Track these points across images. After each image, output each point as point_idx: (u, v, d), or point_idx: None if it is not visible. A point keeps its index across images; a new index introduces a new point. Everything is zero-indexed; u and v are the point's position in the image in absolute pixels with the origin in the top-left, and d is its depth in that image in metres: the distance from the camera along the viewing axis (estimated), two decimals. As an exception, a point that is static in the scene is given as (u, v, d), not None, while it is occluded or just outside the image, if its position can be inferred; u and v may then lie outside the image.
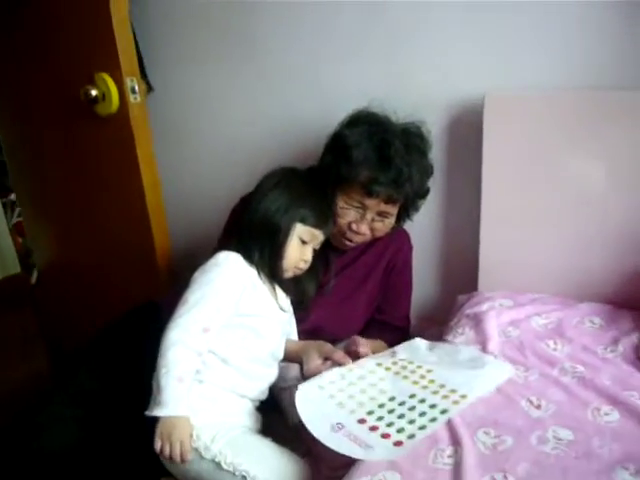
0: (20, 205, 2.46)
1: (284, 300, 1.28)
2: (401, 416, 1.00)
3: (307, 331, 1.35)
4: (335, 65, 1.63)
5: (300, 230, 1.22)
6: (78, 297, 2.07)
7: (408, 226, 1.51)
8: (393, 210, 1.35)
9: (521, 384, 1.10)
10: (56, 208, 2.02)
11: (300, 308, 1.33)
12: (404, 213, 1.40)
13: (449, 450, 0.91)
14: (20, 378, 2.14)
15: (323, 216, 1.26)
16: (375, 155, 1.28)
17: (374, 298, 1.51)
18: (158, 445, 1.03)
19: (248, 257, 1.20)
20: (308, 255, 1.25)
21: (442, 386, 1.08)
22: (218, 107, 1.83)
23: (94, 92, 1.59)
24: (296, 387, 1.09)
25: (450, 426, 0.97)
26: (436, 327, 1.53)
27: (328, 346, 1.22)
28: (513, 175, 1.44)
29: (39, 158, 1.98)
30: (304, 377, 1.21)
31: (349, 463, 0.93)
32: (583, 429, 0.95)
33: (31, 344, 2.33)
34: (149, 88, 1.80)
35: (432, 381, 1.11)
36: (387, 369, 1.17)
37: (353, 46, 1.59)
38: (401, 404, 1.04)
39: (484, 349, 1.23)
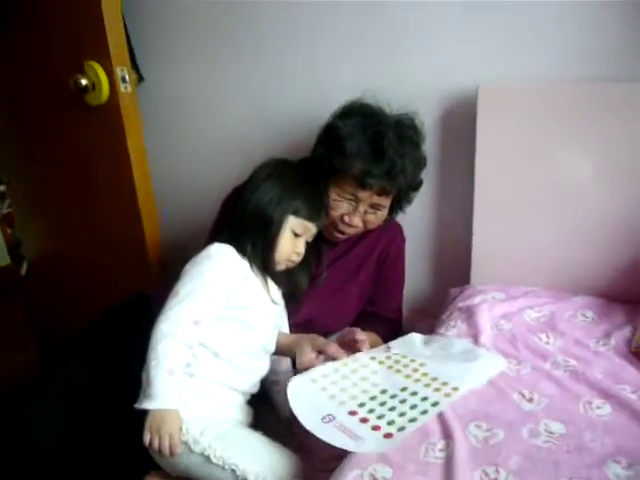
0: (10, 196, 2.43)
1: (276, 293, 1.27)
2: (392, 409, 1.00)
3: (298, 324, 1.34)
4: (329, 57, 1.62)
5: (292, 222, 1.21)
6: (68, 289, 2.06)
7: (400, 218, 1.50)
8: (386, 202, 1.34)
9: (513, 377, 1.10)
10: (46, 199, 2.00)
11: (292, 301, 1.32)
12: (397, 205, 1.40)
13: (441, 444, 0.91)
14: (9, 370, 2.13)
15: (316, 208, 1.25)
16: (368, 147, 1.27)
17: (366, 290, 1.50)
18: (147, 438, 1.02)
19: (240, 249, 1.19)
20: (300, 248, 1.24)
21: (434, 379, 1.08)
22: (210, 98, 1.81)
23: (84, 81, 1.57)
24: (288, 380, 1.09)
25: (442, 419, 0.97)
26: (428, 320, 1.53)
27: (321, 339, 1.21)
28: (506, 167, 1.44)
29: (28, 148, 1.96)
30: (297, 370, 1.20)
31: (340, 456, 0.93)
32: (575, 422, 0.95)
33: (21, 336, 2.32)
34: (140, 78, 1.79)
35: (425, 374, 1.11)
36: (380, 363, 1.17)
37: (347, 37, 1.58)
38: (393, 397, 1.04)
39: (476, 342, 1.23)
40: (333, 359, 1.17)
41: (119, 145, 1.63)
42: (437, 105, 1.53)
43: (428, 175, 1.44)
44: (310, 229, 1.24)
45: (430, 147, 1.46)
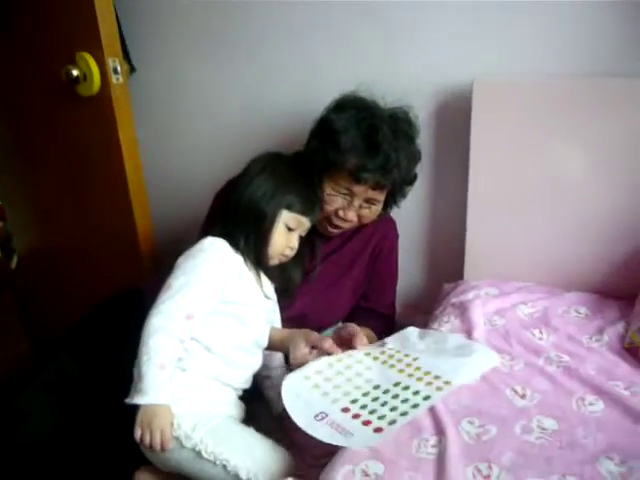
0: (0, 189, 2.41)
1: (269, 287, 1.26)
2: (384, 404, 1.00)
3: (291, 318, 1.34)
4: (323, 50, 1.60)
5: (286, 217, 1.20)
6: (59, 283, 2.05)
7: (394, 213, 1.49)
8: (380, 197, 1.33)
9: (506, 373, 1.10)
10: (37, 191, 1.98)
11: (285, 295, 1.32)
12: (391, 200, 1.39)
13: (433, 440, 0.91)
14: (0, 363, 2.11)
15: (309, 203, 1.24)
16: (363, 141, 1.26)
17: (360, 285, 1.50)
18: (138, 433, 1.01)
19: (234, 243, 1.18)
20: (294, 242, 1.23)
21: (427, 373, 1.08)
22: (203, 89, 1.80)
23: (75, 72, 1.55)
24: (280, 376, 1.08)
25: (434, 415, 0.96)
26: (421, 315, 1.53)
27: (315, 334, 1.21)
28: (501, 162, 1.43)
29: (19, 140, 1.93)
30: (290, 365, 1.20)
31: (332, 452, 0.93)
32: (567, 419, 0.95)
33: (11, 330, 2.30)
34: (132, 69, 1.77)
35: (418, 368, 1.10)
36: (375, 359, 1.16)
37: (341, 30, 1.57)
38: (385, 392, 1.04)
39: (469, 338, 1.23)
40: (327, 354, 1.17)
41: (110, 136, 1.62)
42: (431, 99, 1.52)
43: (422, 170, 1.43)
44: (304, 223, 1.23)
45: (424, 141, 1.45)
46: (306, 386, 1.08)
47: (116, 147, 1.63)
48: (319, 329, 1.30)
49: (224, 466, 1.01)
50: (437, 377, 1.06)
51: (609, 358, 1.13)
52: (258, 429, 1.12)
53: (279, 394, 1.25)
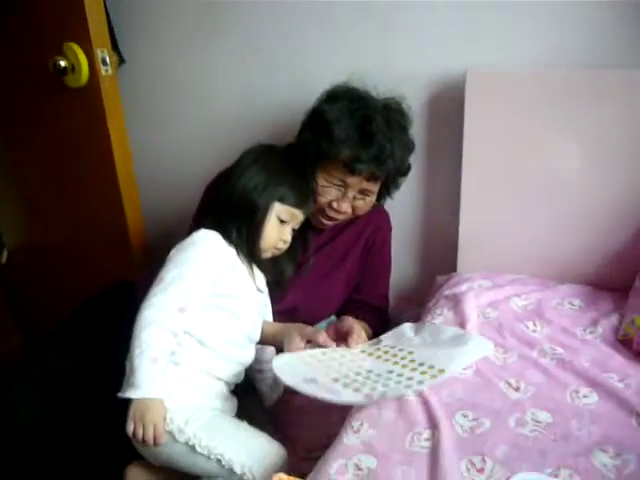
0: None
1: (261, 280, 1.26)
2: (376, 382, 1.01)
3: (282, 312, 1.33)
4: (315, 41, 1.59)
5: (279, 209, 1.19)
6: (49, 277, 2.04)
7: (387, 205, 1.49)
8: (374, 188, 1.32)
9: (500, 366, 1.10)
10: (25, 185, 1.97)
11: (277, 289, 1.31)
12: (385, 191, 1.38)
13: (426, 433, 0.90)
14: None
15: (302, 195, 1.23)
16: (357, 132, 1.25)
17: (352, 277, 1.49)
18: (130, 428, 1.01)
19: (226, 236, 1.17)
20: (287, 235, 1.22)
21: (422, 364, 1.07)
22: (193, 81, 1.77)
23: (63, 63, 1.54)
24: (272, 371, 1.08)
25: (427, 408, 0.96)
26: (414, 308, 1.53)
27: (310, 328, 1.20)
28: (495, 154, 1.43)
29: (6, 132, 1.91)
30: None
31: (324, 445, 0.93)
32: (562, 411, 0.95)
33: (2, 325, 2.28)
34: (121, 60, 1.75)
35: (413, 361, 1.10)
36: (370, 354, 1.16)
37: (334, 21, 1.55)
38: (378, 375, 1.04)
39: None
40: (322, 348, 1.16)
41: (99, 129, 1.60)
42: (424, 89, 1.51)
43: (415, 161, 1.42)
44: (297, 216, 1.22)
45: (417, 132, 1.43)
46: (298, 362, 1.09)
47: (105, 139, 1.61)
48: (311, 322, 1.29)
49: (218, 460, 1.02)
50: (431, 367, 1.05)
51: (603, 350, 1.13)
52: (250, 423, 1.12)
53: (271, 387, 1.26)
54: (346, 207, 1.31)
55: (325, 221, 1.35)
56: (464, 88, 1.38)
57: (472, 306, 1.30)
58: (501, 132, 1.40)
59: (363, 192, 1.31)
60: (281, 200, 1.19)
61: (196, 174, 1.52)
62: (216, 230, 1.17)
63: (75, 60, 1.52)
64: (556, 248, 1.44)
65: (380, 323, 1.45)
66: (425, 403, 0.97)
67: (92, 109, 1.59)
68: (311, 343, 1.18)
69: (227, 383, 1.18)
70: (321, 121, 1.27)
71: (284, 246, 1.23)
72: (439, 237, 1.64)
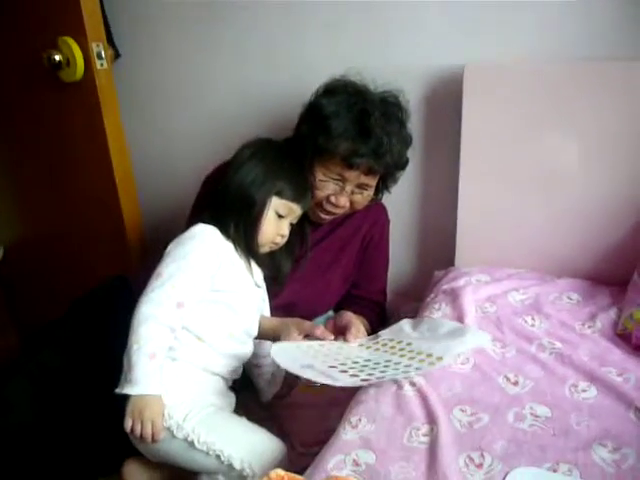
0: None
1: (259, 275, 1.25)
2: (373, 369, 1.01)
3: (280, 306, 1.32)
4: (313, 34, 1.58)
5: (276, 203, 1.19)
6: (46, 273, 2.03)
7: (385, 199, 1.48)
8: (372, 182, 1.31)
9: (498, 360, 1.10)
10: (20, 180, 1.95)
11: (275, 283, 1.30)
12: (382, 185, 1.38)
13: (424, 428, 0.90)
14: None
15: (300, 189, 1.23)
16: (354, 126, 1.24)
17: (350, 272, 1.49)
18: (128, 424, 1.01)
19: (224, 230, 1.17)
20: (285, 230, 1.22)
21: (419, 353, 1.07)
22: (190, 75, 1.76)
23: (58, 57, 1.52)
24: (270, 366, 1.08)
25: (426, 404, 0.96)
26: (412, 303, 1.52)
27: (307, 323, 1.20)
28: (493, 148, 1.42)
29: (0, 128, 1.89)
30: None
31: (322, 440, 0.93)
32: (560, 406, 0.95)
33: (-1, 321, 2.28)
34: (116, 54, 1.73)
35: (411, 351, 1.10)
36: (368, 348, 1.15)
37: (331, 14, 1.54)
38: (376, 363, 1.05)
39: (460, 325, 1.22)
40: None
41: (95, 123, 1.59)
42: (422, 83, 1.50)
43: (413, 155, 1.41)
44: (295, 210, 1.22)
45: (415, 126, 1.43)
46: (296, 350, 1.09)
47: (101, 134, 1.60)
48: (309, 317, 1.29)
49: (217, 456, 1.01)
50: (429, 355, 1.05)
51: (602, 344, 1.13)
52: (248, 419, 1.12)
53: (269, 382, 1.25)
54: (344, 201, 1.31)
55: (323, 215, 1.35)
56: (462, 82, 1.38)
57: (470, 301, 1.30)
58: (499, 126, 1.40)
59: (361, 186, 1.30)
60: (279, 194, 1.18)
61: (193, 168, 1.51)
62: (214, 225, 1.17)
63: (70, 54, 1.51)
64: (554, 242, 1.43)
65: (378, 318, 1.45)
66: (423, 398, 0.97)
67: (87, 104, 1.57)
68: (309, 337, 1.17)
69: (225, 379, 1.18)
70: (319, 115, 1.27)
71: (282, 241, 1.23)
72: (437, 232, 1.63)
